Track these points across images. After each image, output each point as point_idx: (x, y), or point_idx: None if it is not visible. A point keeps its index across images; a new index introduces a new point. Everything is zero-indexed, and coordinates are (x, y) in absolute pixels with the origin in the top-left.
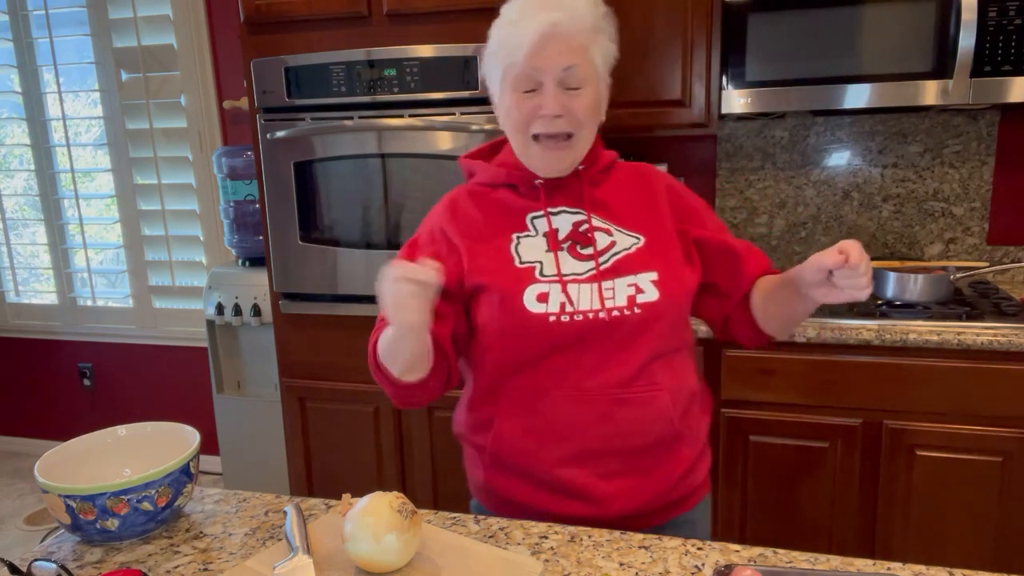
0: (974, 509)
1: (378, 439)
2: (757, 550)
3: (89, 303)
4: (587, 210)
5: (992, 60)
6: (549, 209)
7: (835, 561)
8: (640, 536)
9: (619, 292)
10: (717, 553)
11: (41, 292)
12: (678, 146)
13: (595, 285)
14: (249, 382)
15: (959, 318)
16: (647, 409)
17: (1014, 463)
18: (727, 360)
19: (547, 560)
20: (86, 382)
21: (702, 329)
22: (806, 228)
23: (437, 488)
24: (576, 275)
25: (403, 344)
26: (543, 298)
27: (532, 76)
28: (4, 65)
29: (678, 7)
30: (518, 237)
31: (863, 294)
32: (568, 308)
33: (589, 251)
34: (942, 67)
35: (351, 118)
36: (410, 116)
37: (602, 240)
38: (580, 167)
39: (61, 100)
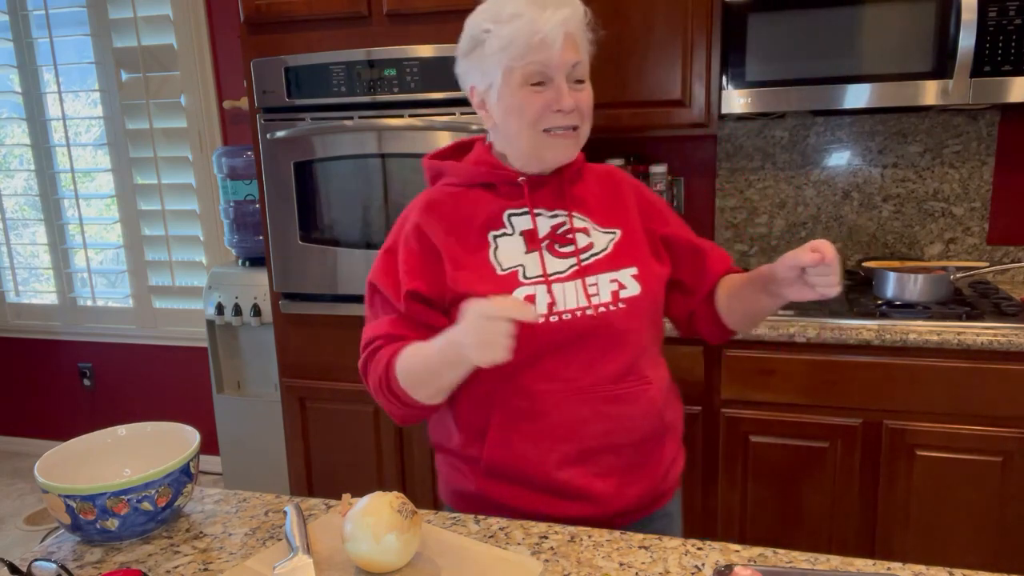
0: (974, 509)
1: (378, 439)
2: (757, 550)
3: (89, 303)
4: (568, 208)
5: (992, 60)
6: (536, 210)
7: (835, 561)
8: (640, 536)
9: (603, 288)
10: (717, 553)
11: (41, 292)
12: (678, 146)
13: (579, 282)
14: (249, 382)
15: (959, 318)
16: (638, 404)
17: (1014, 463)
18: (727, 360)
19: (547, 560)
20: (86, 382)
21: None
22: (806, 228)
23: (437, 488)
24: (559, 273)
25: (454, 375)
26: (530, 300)
27: (543, 72)
28: (4, 65)
29: (678, 7)
30: (495, 239)
31: (833, 291)
32: (556, 308)
33: (568, 249)
34: (942, 67)
35: (351, 118)
36: (410, 116)
37: (582, 239)
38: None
39: (61, 100)
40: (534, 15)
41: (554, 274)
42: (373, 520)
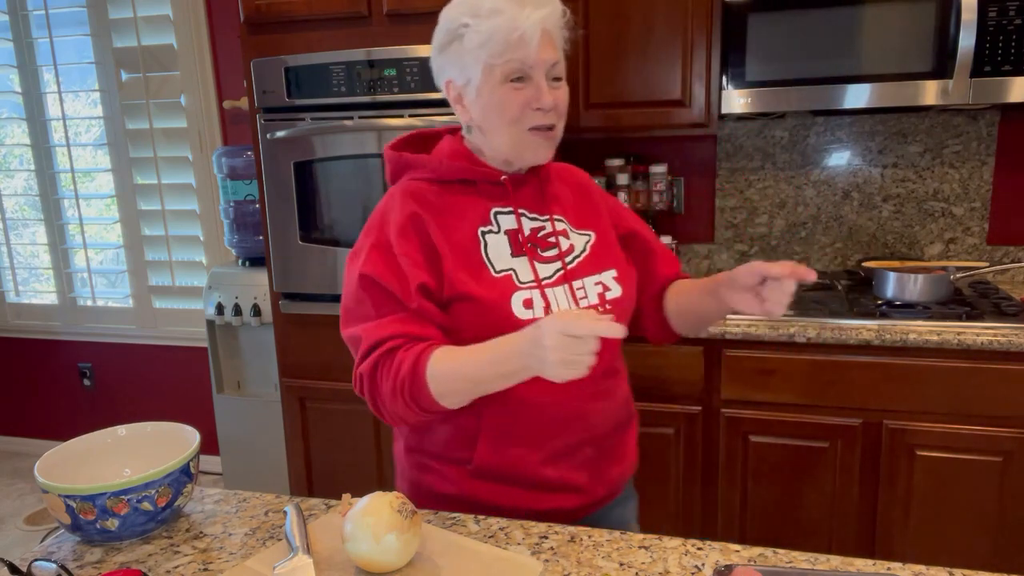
0: (974, 509)
1: (378, 439)
2: (757, 550)
3: (89, 303)
4: (550, 210)
5: (992, 60)
6: (521, 210)
7: (835, 561)
8: (640, 536)
9: (589, 291)
10: (717, 553)
11: (41, 292)
12: (678, 146)
13: (566, 286)
14: (249, 382)
15: (959, 318)
16: (615, 397)
17: (1014, 463)
18: (727, 360)
19: (547, 560)
20: (86, 382)
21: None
22: (806, 228)
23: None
24: (547, 279)
25: (505, 385)
26: (528, 304)
27: (523, 69)
28: (4, 65)
29: (678, 7)
30: (483, 235)
31: (778, 311)
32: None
33: (551, 253)
34: (942, 67)
35: (351, 118)
36: (410, 116)
37: (564, 242)
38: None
39: (61, 100)
40: (514, 12)
41: (544, 279)
42: (373, 520)
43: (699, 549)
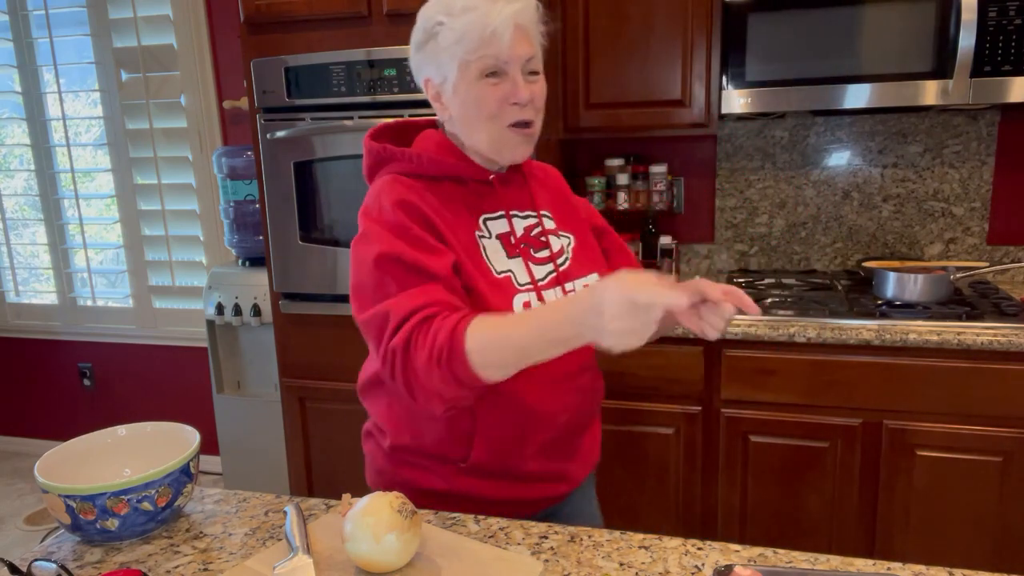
0: (974, 509)
1: None
2: (757, 550)
3: (89, 303)
4: (537, 208)
5: (992, 60)
6: (512, 212)
7: (835, 561)
8: (640, 536)
9: (579, 291)
10: (717, 553)
11: (41, 292)
12: (678, 146)
13: (558, 289)
14: (249, 382)
15: (959, 318)
16: (595, 390)
17: (1014, 463)
18: (727, 360)
19: (547, 560)
20: (86, 382)
21: None
22: (806, 228)
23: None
24: (541, 281)
25: (555, 354)
26: (527, 307)
27: (497, 65)
28: (4, 65)
29: (678, 7)
30: (480, 238)
31: (712, 335)
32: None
33: (543, 254)
34: (942, 67)
35: (351, 118)
36: (410, 116)
37: (554, 242)
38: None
39: (61, 100)
40: (486, 8)
41: (539, 281)
42: (373, 520)
43: (699, 549)
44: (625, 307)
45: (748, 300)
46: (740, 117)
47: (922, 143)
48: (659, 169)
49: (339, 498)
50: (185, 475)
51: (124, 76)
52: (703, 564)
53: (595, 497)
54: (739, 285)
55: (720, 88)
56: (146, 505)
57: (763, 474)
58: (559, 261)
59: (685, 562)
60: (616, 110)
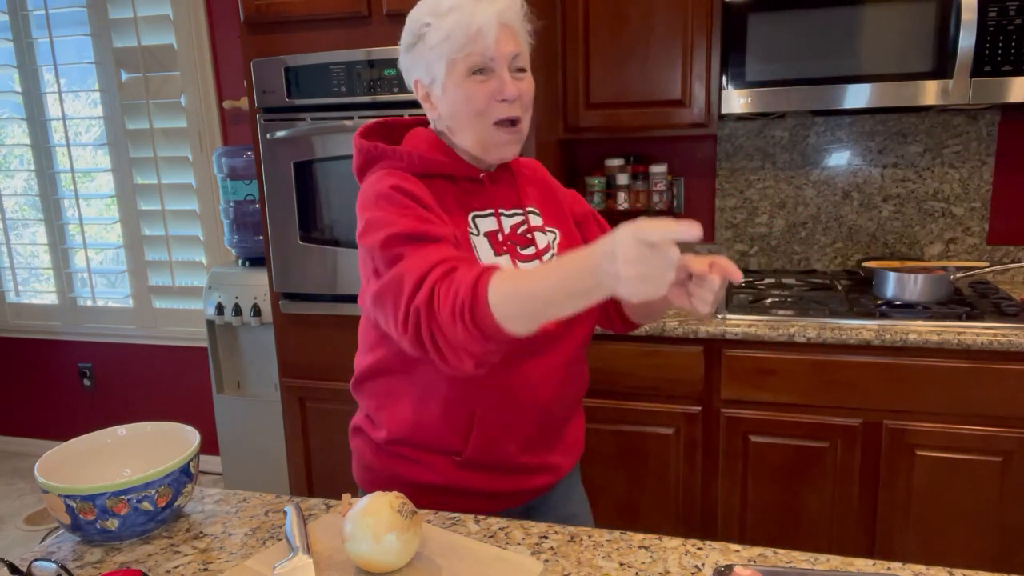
0: (974, 509)
1: None
2: (757, 550)
3: (89, 303)
4: (523, 204)
5: (992, 60)
6: (500, 210)
7: (835, 561)
8: (640, 536)
9: None
10: (717, 553)
11: (41, 292)
12: (678, 146)
13: None
14: (249, 382)
15: (959, 318)
16: (581, 381)
17: (1014, 463)
18: (727, 360)
19: (547, 560)
20: (86, 382)
21: (702, 329)
22: (806, 228)
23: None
24: None
25: (577, 306)
26: None
27: (484, 63)
28: (4, 65)
29: (678, 7)
30: (472, 236)
31: (704, 310)
32: None
33: (529, 251)
34: (942, 67)
35: (351, 118)
36: (410, 116)
37: (540, 239)
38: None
39: (61, 100)
40: (471, 8)
41: None
42: (373, 520)
43: (699, 549)
44: (638, 249)
45: (732, 267)
46: (740, 117)
47: (922, 143)
48: (659, 169)
49: (339, 498)
50: (185, 475)
51: (124, 76)
52: (703, 564)
53: (583, 493)
54: (739, 285)
55: (720, 88)
56: (146, 505)
57: (763, 474)
58: (545, 258)
59: (685, 562)
60: (616, 110)
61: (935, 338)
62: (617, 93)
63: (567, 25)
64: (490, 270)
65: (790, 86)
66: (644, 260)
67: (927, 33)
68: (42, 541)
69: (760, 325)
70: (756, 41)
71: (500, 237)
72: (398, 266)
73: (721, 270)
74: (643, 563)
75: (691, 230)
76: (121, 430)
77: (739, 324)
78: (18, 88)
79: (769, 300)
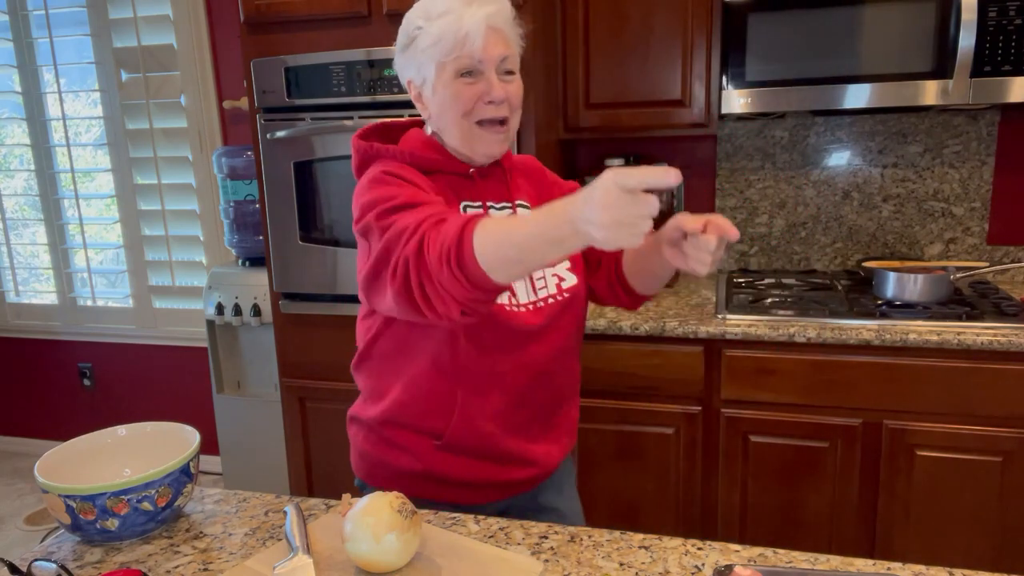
0: (974, 509)
1: None
2: (757, 550)
3: (89, 303)
4: (513, 200)
5: (992, 60)
6: (489, 203)
7: (835, 561)
8: (640, 536)
9: (548, 281)
10: (717, 553)
11: (41, 292)
12: (678, 146)
13: (527, 278)
14: (249, 382)
15: (959, 318)
16: (570, 374)
17: (1014, 463)
18: (727, 360)
19: (547, 560)
20: (86, 382)
21: (702, 329)
22: (806, 228)
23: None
24: None
25: (557, 254)
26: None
27: (472, 65)
28: (4, 65)
29: (678, 7)
30: None
31: (701, 270)
32: (513, 300)
33: None
34: (942, 67)
35: (351, 118)
36: (410, 116)
37: None
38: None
39: (61, 100)
40: (460, 12)
41: None
42: (373, 520)
43: (699, 549)
44: (614, 194)
45: (728, 225)
46: (740, 117)
47: (922, 143)
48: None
49: (339, 498)
50: (185, 475)
51: (124, 76)
52: (703, 564)
53: (574, 492)
54: (739, 285)
55: (720, 88)
56: (146, 505)
57: (763, 474)
58: None
59: (685, 562)
60: (616, 110)
61: (935, 338)
62: (617, 93)
63: (567, 25)
64: (477, 217)
65: (790, 86)
66: (620, 206)
67: (927, 33)
68: (42, 541)
69: (760, 325)
70: (756, 41)
71: None
72: (391, 230)
73: (717, 228)
74: (643, 563)
75: (668, 176)
76: (121, 430)
77: (739, 324)
78: (18, 88)
79: (769, 300)
